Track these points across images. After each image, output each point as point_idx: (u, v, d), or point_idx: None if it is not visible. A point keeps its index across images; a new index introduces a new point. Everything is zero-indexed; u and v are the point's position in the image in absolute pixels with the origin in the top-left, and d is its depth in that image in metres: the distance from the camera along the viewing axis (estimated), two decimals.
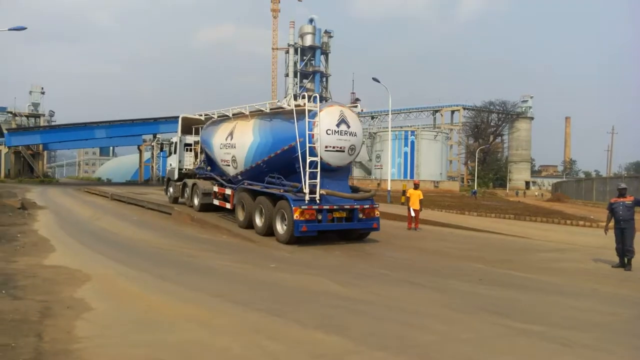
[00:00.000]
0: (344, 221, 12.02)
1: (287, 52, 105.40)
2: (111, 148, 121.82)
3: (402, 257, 9.96)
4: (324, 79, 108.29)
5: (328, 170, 11.93)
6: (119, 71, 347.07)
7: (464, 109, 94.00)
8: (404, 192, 24.90)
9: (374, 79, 28.09)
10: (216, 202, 16.55)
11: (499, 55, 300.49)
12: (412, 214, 14.90)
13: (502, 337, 5.14)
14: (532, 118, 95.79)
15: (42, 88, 78.43)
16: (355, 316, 5.62)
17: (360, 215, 12.11)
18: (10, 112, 72.78)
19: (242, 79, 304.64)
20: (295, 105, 12.19)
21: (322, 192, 11.42)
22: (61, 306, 5.71)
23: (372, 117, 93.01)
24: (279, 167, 12.77)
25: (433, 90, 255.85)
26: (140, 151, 66.65)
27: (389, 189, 28.74)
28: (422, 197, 15.05)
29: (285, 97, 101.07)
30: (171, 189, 20.48)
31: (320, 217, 11.47)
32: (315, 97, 12.18)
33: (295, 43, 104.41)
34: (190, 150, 19.65)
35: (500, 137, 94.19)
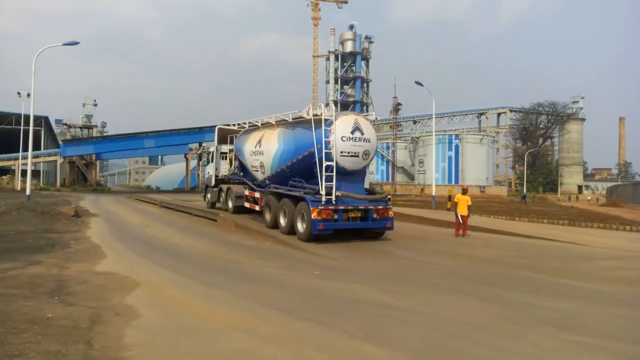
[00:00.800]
0: (359, 221, 12.96)
1: (328, 59, 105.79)
2: (159, 157, 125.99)
3: (451, 265, 9.57)
4: (365, 85, 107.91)
5: (344, 174, 12.87)
6: (168, 83, 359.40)
7: (511, 111, 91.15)
8: (449, 198, 24.25)
9: (417, 82, 27.59)
10: (247, 204, 17.82)
11: (546, 56, 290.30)
12: (460, 220, 14.41)
13: (564, 351, 4.77)
14: (583, 119, 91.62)
15: (95, 100, 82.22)
16: (406, 328, 5.38)
17: (375, 216, 13.00)
18: (65, 124, 76.68)
19: (284, 86, 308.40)
20: (314, 115, 13.22)
21: (338, 193, 12.38)
22: (111, 313, 5.78)
23: (414, 122, 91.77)
24: (300, 171, 13.92)
25: (476, 93, 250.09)
26: (187, 159, 68.51)
27: (433, 194, 28.07)
28: (470, 202, 14.58)
29: (326, 104, 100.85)
30: (209, 195, 21.95)
31: (336, 216, 12.43)
32: (332, 106, 13.04)
33: (336, 50, 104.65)
34: (226, 158, 20.81)
35: (550, 140, 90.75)
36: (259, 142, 16.56)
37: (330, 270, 8.90)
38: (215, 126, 22.24)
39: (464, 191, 14.98)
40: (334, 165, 12.41)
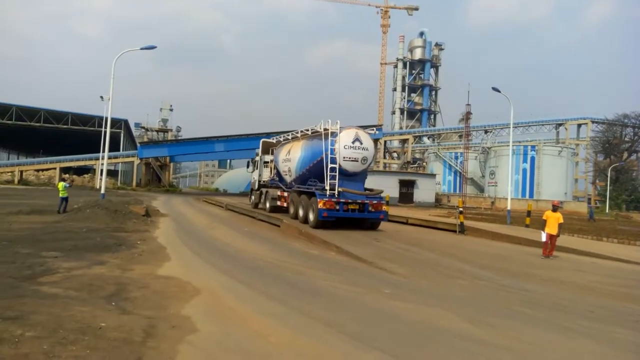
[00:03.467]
0: (357, 212, 16.34)
1: (396, 66, 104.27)
2: (228, 161, 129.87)
3: (540, 291, 8.40)
4: (433, 93, 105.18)
5: (347, 175, 16.57)
6: (240, 88, 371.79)
7: (593, 122, 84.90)
8: (529, 213, 22.44)
9: (494, 88, 25.98)
10: (279, 203, 21.08)
11: (631, 63, 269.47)
12: (544, 238, 12.94)
13: None
14: None
15: (171, 105, 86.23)
16: None
17: (370, 209, 16.46)
18: (143, 127, 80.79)
19: (352, 93, 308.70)
20: (324, 129, 16.87)
21: (340, 189, 15.99)
22: (167, 325, 5.36)
23: (486, 131, 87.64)
24: (315, 173, 17.50)
25: (554, 103, 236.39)
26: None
27: (508, 208, 26.21)
28: (561, 220, 13.06)
29: (393, 112, 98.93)
30: (253, 197, 25.94)
31: (338, 207, 15.83)
32: (337, 122, 16.82)
33: (404, 57, 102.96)
34: (267, 166, 24.39)
35: (635, 154, 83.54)
36: (289, 151, 20.33)
37: (401, 289, 8.06)
38: (283, 131, 23.90)
39: (555, 208, 13.44)
40: (337, 167, 16.12)
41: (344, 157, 16.27)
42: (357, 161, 16.59)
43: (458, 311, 6.53)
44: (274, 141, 23.69)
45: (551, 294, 8.22)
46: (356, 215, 16.47)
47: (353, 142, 16.46)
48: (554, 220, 12.77)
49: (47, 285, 6.93)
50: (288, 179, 20.45)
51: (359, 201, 16.24)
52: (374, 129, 19.06)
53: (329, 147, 16.15)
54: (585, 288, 8.94)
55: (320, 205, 15.53)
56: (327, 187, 15.93)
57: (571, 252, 14.33)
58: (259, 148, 25.51)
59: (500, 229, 19.42)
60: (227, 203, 30.98)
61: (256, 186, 25.27)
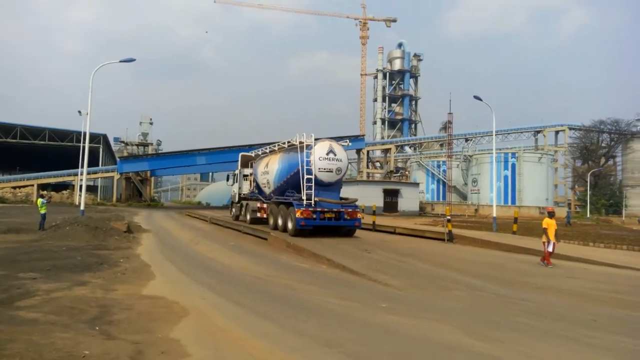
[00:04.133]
0: (333, 220, 17.10)
1: (376, 77, 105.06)
2: (210, 174, 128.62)
3: (538, 300, 8.24)
4: (413, 102, 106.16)
5: (323, 185, 17.24)
6: (221, 101, 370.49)
7: (570, 129, 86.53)
8: (515, 220, 22.48)
9: (475, 96, 26.16)
10: (259, 214, 21.57)
11: (608, 72, 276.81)
12: (550, 248, 12.59)
13: None
14: None
15: (151, 119, 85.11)
16: None
17: (346, 216, 17.27)
18: (123, 142, 79.61)
19: (333, 104, 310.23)
20: (299, 142, 17.59)
21: (316, 199, 16.67)
22: (155, 350, 5.01)
23: (466, 140, 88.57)
24: (292, 185, 18.16)
25: (532, 110, 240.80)
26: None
27: (494, 215, 26.27)
28: (556, 227, 12.89)
29: (374, 122, 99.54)
30: (234, 209, 26.46)
31: (315, 216, 16.51)
32: (311, 135, 17.55)
33: (384, 68, 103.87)
34: (247, 179, 24.88)
35: (612, 159, 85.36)
36: (267, 164, 21.05)
37: (398, 302, 7.81)
38: (266, 143, 24.59)
39: (551, 214, 13.14)
40: (313, 178, 16.79)
41: (319, 168, 17.05)
42: (332, 172, 17.41)
43: (459, 324, 6.31)
44: (253, 155, 24.42)
45: (550, 303, 8.06)
46: (332, 223, 17.24)
47: (327, 154, 17.28)
48: (553, 228, 12.58)
49: (25, 309, 6.51)
50: (267, 190, 21.09)
51: (335, 210, 17.13)
52: (347, 140, 19.54)
53: (305, 159, 16.95)
54: (582, 295, 8.82)
55: (297, 214, 16.25)
56: (304, 197, 16.70)
57: (561, 259, 14.25)
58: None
59: (488, 237, 19.35)
60: (211, 216, 30.46)
61: (236, 199, 25.89)
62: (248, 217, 22.92)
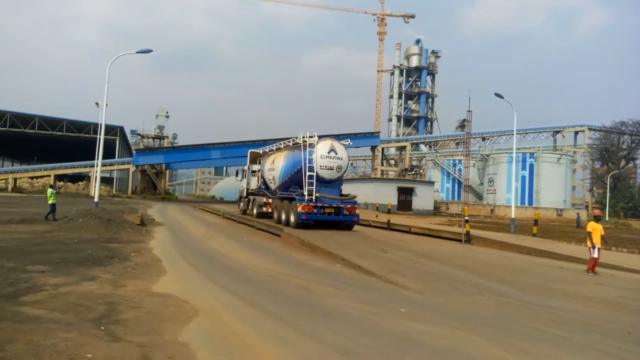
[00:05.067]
0: (332, 215, 18.14)
1: (392, 73, 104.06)
2: (224, 168, 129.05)
3: (567, 309, 7.76)
4: (430, 100, 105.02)
5: (324, 182, 18.20)
6: (236, 95, 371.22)
7: (590, 129, 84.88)
8: (536, 222, 21.83)
9: (496, 94, 25.49)
10: (264, 209, 22.45)
11: (627, 71, 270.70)
12: (595, 254, 11.69)
13: None
14: None
15: (167, 112, 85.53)
16: None
17: (345, 212, 18.31)
18: (139, 134, 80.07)
19: (349, 100, 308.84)
20: (303, 141, 18.57)
21: (317, 195, 17.70)
22: (162, 355, 4.70)
23: (483, 139, 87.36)
24: (296, 181, 19.09)
25: (551, 110, 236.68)
26: None
27: (512, 217, 25.62)
28: (603, 232, 11.93)
29: (390, 119, 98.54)
30: (241, 204, 27.75)
31: (315, 211, 17.62)
32: (315, 134, 18.47)
33: (401, 64, 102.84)
34: (255, 175, 25.70)
35: (632, 162, 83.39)
36: (273, 161, 22.01)
37: (418, 307, 7.40)
38: (280, 139, 24.99)
39: (597, 218, 12.26)
40: (315, 175, 17.83)
41: (320, 166, 18.06)
42: (333, 169, 18.41)
43: (487, 335, 5.88)
44: (261, 152, 25.49)
45: (580, 312, 7.58)
46: (332, 218, 18.29)
47: (329, 152, 18.25)
48: (598, 233, 11.73)
49: (30, 305, 6.25)
50: (273, 186, 22.10)
51: (335, 205, 18.20)
52: (348, 140, 20.55)
53: (307, 157, 18.02)
54: (613, 304, 8.32)
55: (299, 209, 17.35)
56: (306, 193, 17.75)
57: (585, 263, 13.68)
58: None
59: (507, 239, 18.80)
60: (224, 211, 30.31)
61: (244, 194, 26.96)
62: (255, 211, 23.63)
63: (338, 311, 6.93)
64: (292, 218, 18.04)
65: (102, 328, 5.40)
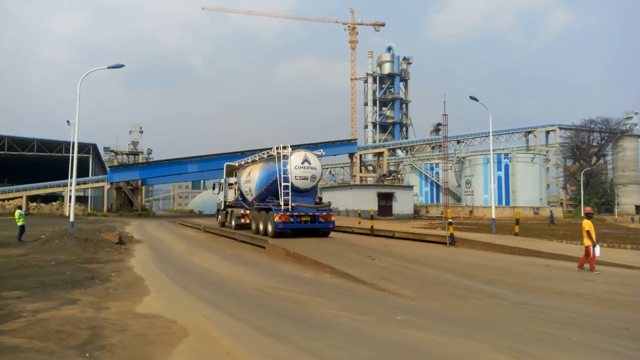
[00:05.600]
0: (309, 223, 18.60)
1: (366, 81, 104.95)
2: (202, 181, 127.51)
3: (561, 308, 7.73)
4: (404, 106, 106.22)
5: (299, 192, 18.68)
6: (210, 109, 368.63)
7: (561, 128, 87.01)
8: (517, 221, 22.07)
9: (471, 97, 25.82)
10: (242, 220, 22.70)
11: (595, 70, 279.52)
12: (598, 252, 11.69)
13: None
14: (638, 136, 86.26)
15: (141, 127, 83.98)
16: None
17: (321, 219, 18.84)
18: (113, 151, 78.48)
19: (324, 109, 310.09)
20: (277, 153, 19.09)
21: (293, 204, 18.21)
22: None
23: (458, 142, 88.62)
24: (272, 192, 19.48)
25: (522, 110, 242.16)
26: None
27: (493, 217, 25.89)
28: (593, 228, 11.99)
29: (366, 126, 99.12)
30: (219, 217, 27.81)
31: (292, 220, 18.08)
32: (288, 146, 19.18)
33: (374, 72, 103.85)
34: (231, 188, 25.95)
35: (603, 158, 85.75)
36: (249, 173, 22.50)
37: (413, 314, 7.26)
38: (257, 149, 25.56)
39: (589, 215, 12.25)
40: (290, 185, 18.30)
41: (295, 176, 18.54)
42: (307, 179, 18.89)
43: (485, 339, 5.77)
44: (237, 164, 25.69)
45: (574, 310, 7.56)
46: (309, 226, 18.72)
47: (302, 163, 18.76)
48: (592, 230, 11.77)
49: (7, 334, 5.88)
50: (249, 198, 22.47)
51: (311, 214, 18.69)
52: (321, 150, 20.80)
53: (282, 168, 18.47)
54: (605, 301, 8.35)
55: (276, 218, 17.83)
56: (282, 203, 18.21)
57: (569, 260, 13.83)
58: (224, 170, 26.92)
59: (490, 239, 18.92)
60: (204, 225, 29.79)
61: (222, 206, 27.21)
62: (233, 223, 24.27)
63: (332, 323, 6.73)
64: (269, 228, 18.42)
65: (87, 355, 5.10)
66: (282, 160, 18.68)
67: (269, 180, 19.80)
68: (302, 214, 18.39)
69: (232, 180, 26.04)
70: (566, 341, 5.81)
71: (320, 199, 21.47)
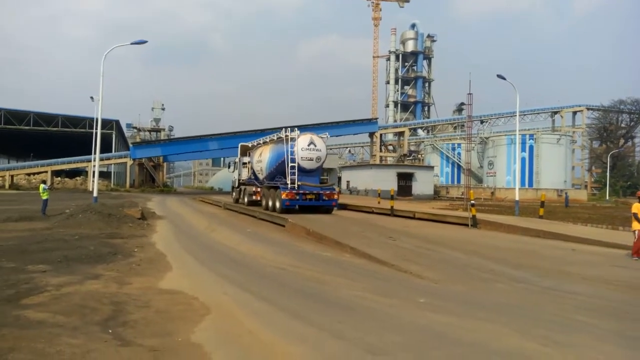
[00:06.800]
0: (313, 200, 20.25)
1: (388, 59, 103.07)
2: (222, 159, 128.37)
3: (589, 294, 7.49)
4: (427, 84, 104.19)
5: (305, 172, 20.33)
6: (231, 87, 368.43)
7: (588, 109, 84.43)
8: (542, 204, 21.58)
9: (498, 75, 25.11)
10: (254, 197, 24.28)
11: (625, 50, 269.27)
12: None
13: None
14: None
15: (163, 104, 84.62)
16: None
17: (324, 197, 20.47)
18: (135, 128, 79.37)
19: (345, 87, 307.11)
20: (285, 135, 20.73)
21: (299, 183, 19.80)
22: (175, 358, 4.40)
23: (482, 122, 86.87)
24: (280, 172, 21.21)
25: (548, 91, 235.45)
26: None
27: (516, 199, 25.37)
28: None
29: (387, 105, 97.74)
30: (234, 194, 29.70)
31: (297, 197, 19.73)
32: (295, 129, 20.89)
33: (397, 50, 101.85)
34: (245, 166, 27.46)
35: (631, 140, 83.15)
36: (260, 154, 24.28)
37: (436, 297, 7.13)
38: (277, 127, 26.60)
39: None
40: (297, 165, 19.91)
41: (301, 157, 20.13)
42: (313, 160, 20.53)
43: (514, 325, 5.60)
44: (250, 145, 27.20)
45: (603, 297, 7.33)
46: (313, 203, 20.41)
47: (308, 145, 20.32)
48: None
49: (32, 308, 5.95)
50: (261, 177, 24.22)
51: (315, 192, 20.24)
52: (327, 133, 22.40)
53: (290, 149, 20.09)
54: (634, 287, 8.06)
55: (283, 196, 19.46)
56: (289, 182, 19.76)
57: (596, 245, 13.46)
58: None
59: (513, 221, 18.55)
60: (225, 202, 29.99)
61: (236, 184, 29.04)
62: (246, 199, 25.72)
63: (355, 304, 6.64)
64: (277, 204, 20.05)
65: (110, 331, 5.10)
66: (289, 143, 20.24)
67: (278, 161, 21.37)
68: (307, 192, 19.98)
69: (245, 159, 27.50)
70: (598, 329, 5.60)
71: (326, 179, 23.30)
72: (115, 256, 10.06)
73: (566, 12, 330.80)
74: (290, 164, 19.93)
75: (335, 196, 21.17)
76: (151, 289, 7.32)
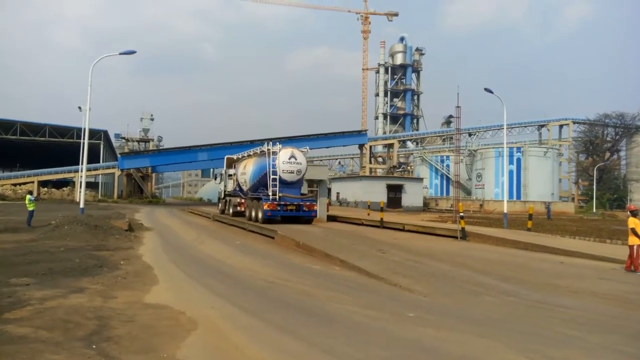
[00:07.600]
0: (294, 211, 21.14)
1: (377, 71, 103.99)
2: (211, 170, 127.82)
3: (578, 307, 7.51)
4: (415, 97, 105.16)
5: (286, 184, 21.20)
6: (221, 97, 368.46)
7: (574, 122, 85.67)
8: (530, 216, 21.73)
9: (486, 89, 25.36)
10: (239, 208, 25.20)
11: (610, 64, 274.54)
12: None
13: None
14: None
15: (152, 115, 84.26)
16: None
17: (304, 208, 21.40)
18: (124, 138, 78.84)
19: (335, 99, 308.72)
20: (267, 149, 21.85)
21: (280, 194, 20.69)
22: None
23: (470, 134, 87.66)
24: (263, 184, 22.06)
25: (535, 104, 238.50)
26: None
27: (505, 211, 25.53)
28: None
29: (376, 117, 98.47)
30: (220, 205, 30.63)
31: (279, 208, 20.63)
32: (277, 143, 22.21)
33: (386, 62, 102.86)
34: (230, 178, 28.18)
35: (617, 154, 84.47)
36: (245, 166, 25.16)
37: (426, 311, 7.09)
38: (266, 139, 26.99)
39: (635, 213, 11.33)
40: (278, 178, 20.79)
41: (282, 170, 20.99)
42: (293, 173, 21.38)
43: (503, 339, 5.59)
44: (235, 157, 28.26)
45: (591, 310, 7.34)
46: (294, 214, 21.20)
47: (289, 159, 21.23)
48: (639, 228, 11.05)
49: (14, 323, 5.80)
50: (245, 188, 25.03)
51: (295, 203, 21.18)
52: (306, 147, 23.48)
53: (272, 162, 21.02)
54: (622, 300, 8.11)
55: (265, 207, 20.35)
56: (270, 193, 20.66)
57: (584, 258, 13.56)
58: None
59: (502, 234, 18.65)
60: (214, 214, 29.82)
61: (222, 195, 29.97)
62: (231, 210, 26.61)
63: (344, 318, 6.58)
64: (260, 214, 20.89)
65: (94, 347, 4.99)
66: (271, 156, 21.21)
67: (261, 173, 22.26)
68: (288, 203, 20.88)
69: (231, 171, 28.21)
70: (585, 343, 5.60)
71: (306, 192, 23.81)
72: (101, 269, 9.89)
73: (552, 25, 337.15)
74: (271, 177, 20.78)
75: (315, 207, 22.17)
76: (137, 303, 7.19)
